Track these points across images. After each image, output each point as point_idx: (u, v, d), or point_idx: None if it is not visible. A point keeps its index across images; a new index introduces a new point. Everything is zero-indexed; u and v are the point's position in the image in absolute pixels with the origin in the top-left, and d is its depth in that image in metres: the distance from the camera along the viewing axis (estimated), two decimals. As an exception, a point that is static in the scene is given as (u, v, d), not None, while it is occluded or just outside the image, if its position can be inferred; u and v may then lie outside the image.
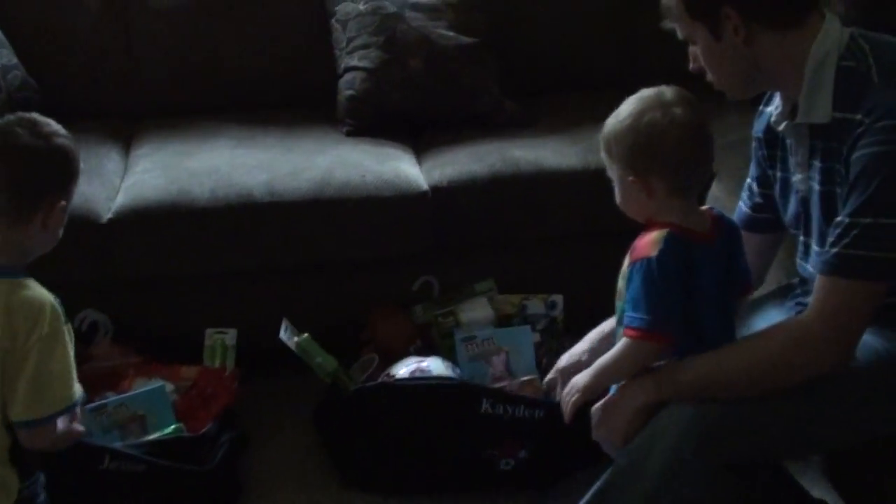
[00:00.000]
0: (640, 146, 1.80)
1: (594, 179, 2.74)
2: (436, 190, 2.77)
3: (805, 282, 2.02)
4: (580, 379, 1.95)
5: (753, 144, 2.06)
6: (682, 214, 1.84)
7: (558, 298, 2.80)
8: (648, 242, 1.82)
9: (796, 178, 1.89)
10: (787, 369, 1.77)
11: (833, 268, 1.72)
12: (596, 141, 2.86)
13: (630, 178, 1.84)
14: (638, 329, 1.81)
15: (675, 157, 1.80)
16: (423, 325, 2.78)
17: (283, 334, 2.55)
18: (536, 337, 2.70)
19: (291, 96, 3.19)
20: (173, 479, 2.31)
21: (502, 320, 2.78)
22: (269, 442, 2.60)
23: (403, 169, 2.80)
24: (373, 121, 3.02)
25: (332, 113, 3.07)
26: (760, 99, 2.03)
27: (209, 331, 2.65)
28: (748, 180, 2.12)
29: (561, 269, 2.91)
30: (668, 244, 1.79)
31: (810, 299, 1.78)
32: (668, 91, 1.84)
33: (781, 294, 2.13)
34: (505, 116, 3.09)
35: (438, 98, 3.04)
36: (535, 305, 2.80)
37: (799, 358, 1.76)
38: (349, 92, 3.01)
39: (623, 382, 1.90)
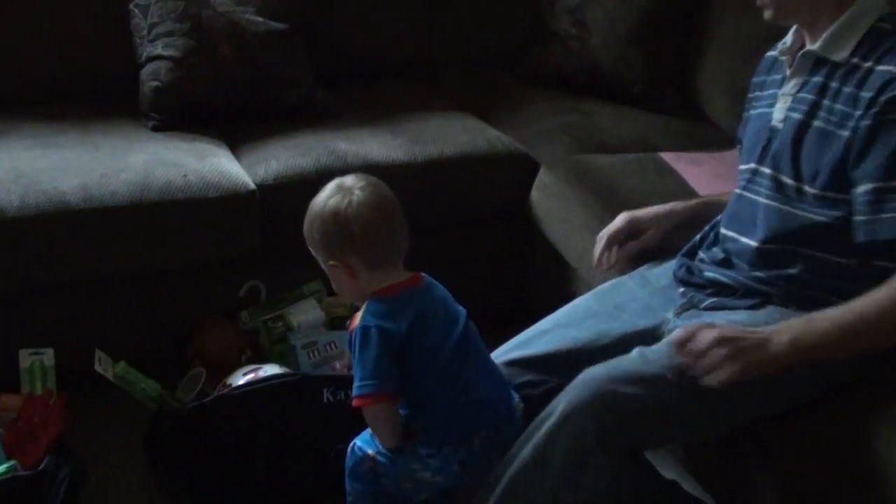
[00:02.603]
0: (329, 233, 1.98)
1: (422, 173, 2.85)
2: (263, 188, 2.71)
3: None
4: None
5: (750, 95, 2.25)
6: (386, 283, 2.00)
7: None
8: (357, 316, 1.99)
9: (777, 107, 2.07)
10: None
11: None
12: (415, 131, 2.97)
13: (331, 263, 2.00)
14: (361, 397, 1.97)
15: (362, 236, 1.96)
16: (250, 332, 2.74)
17: (98, 366, 2.44)
18: (374, 338, 2.69)
19: (84, 89, 3.06)
20: (14, 524, 2.16)
21: (334, 322, 2.78)
22: (100, 470, 2.47)
23: (225, 166, 2.72)
24: (180, 114, 2.92)
25: (133, 106, 2.95)
26: None
27: (23, 352, 2.48)
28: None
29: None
30: (369, 310, 1.97)
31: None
32: (347, 178, 2.02)
33: None
34: (318, 107, 3.06)
35: (249, 88, 2.97)
36: (368, 305, 2.80)
37: None
38: (154, 83, 2.89)
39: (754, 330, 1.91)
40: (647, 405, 1.87)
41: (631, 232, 2.39)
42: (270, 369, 2.49)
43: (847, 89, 1.93)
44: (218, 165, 2.71)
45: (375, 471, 2.09)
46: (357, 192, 1.96)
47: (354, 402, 1.98)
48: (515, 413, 2.08)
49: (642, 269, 2.32)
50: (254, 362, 2.58)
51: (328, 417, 2.40)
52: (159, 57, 2.90)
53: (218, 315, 2.75)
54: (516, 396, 2.11)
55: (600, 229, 2.57)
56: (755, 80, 2.24)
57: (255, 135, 2.94)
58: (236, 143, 2.92)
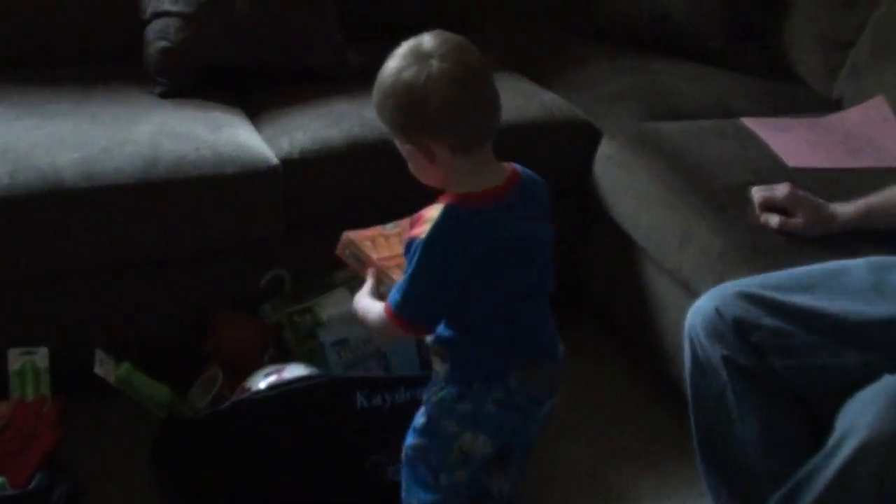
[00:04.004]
0: (403, 110, 1.85)
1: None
2: (287, 163, 2.67)
3: None
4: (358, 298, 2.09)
5: None
6: (473, 174, 1.90)
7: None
8: (426, 218, 1.89)
9: None
10: None
11: None
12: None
13: (406, 146, 1.90)
14: (388, 310, 1.94)
15: (443, 116, 1.83)
16: (273, 328, 2.70)
17: (98, 368, 2.40)
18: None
19: (80, 50, 3.03)
20: (2, 552, 2.11)
21: (369, 315, 2.71)
22: (101, 488, 2.44)
23: (244, 138, 2.69)
24: (192, 78, 2.90)
25: (137, 70, 2.93)
26: None
27: (13, 351, 2.43)
28: None
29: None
30: (444, 219, 1.86)
31: None
32: (427, 39, 1.87)
33: None
34: (349, 69, 3.04)
35: (271, 48, 2.95)
36: (407, 294, 2.75)
37: None
38: (161, 43, 2.86)
39: None
40: None
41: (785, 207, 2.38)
42: (295, 370, 2.47)
43: None
44: (235, 137, 2.67)
45: (427, 460, 2.05)
46: (436, 61, 1.82)
47: (385, 308, 1.95)
48: (559, 351, 2.05)
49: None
50: (277, 362, 2.55)
51: (362, 425, 2.38)
52: (167, 13, 2.87)
53: (236, 309, 2.71)
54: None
55: (674, 202, 2.63)
56: None
57: (277, 102, 2.91)
58: (256, 112, 2.89)
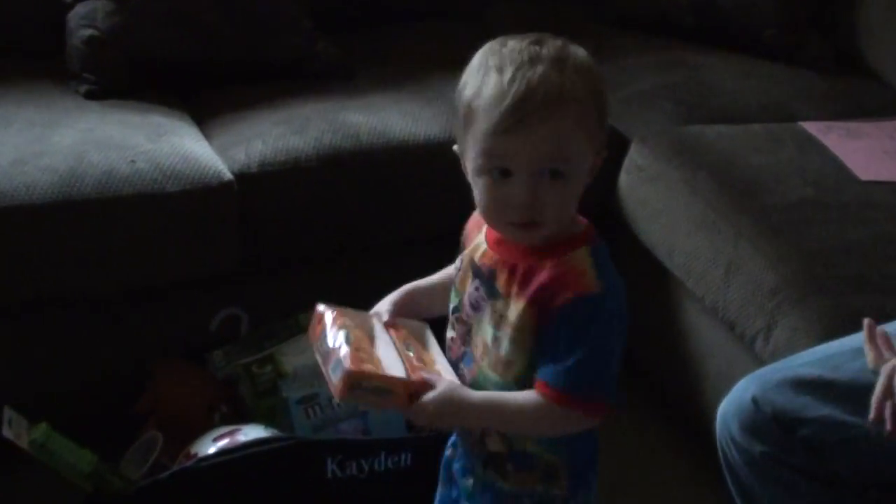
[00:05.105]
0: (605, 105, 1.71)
1: (463, 155, 2.77)
2: (243, 179, 2.68)
3: None
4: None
5: None
6: None
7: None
8: (577, 271, 1.71)
9: None
10: None
11: None
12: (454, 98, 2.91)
13: (598, 159, 1.73)
14: (560, 394, 1.69)
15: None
16: (226, 380, 2.70)
17: (7, 430, 2.36)
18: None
19: None
20: None
21: (342, 366, 2.70)
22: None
23: (189, 148, 2.71)
24: (125, 75, 2.92)
25: (57, 64, 2.95)
26: None
27: None
28: None
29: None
30: (611, 274, 1.73)
31: None
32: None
33: None
34: (320, 64, 3.05)
35: (222, 39, 2.98)
36: (390, 341, 2.75)
37: None
38: (87, 31, 2.90)
39: None
40: None
41: None
42: (252, 432, 2.48)
43: None
44: (179, 147, 2.68)
45: None
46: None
47: (562, 399, 1.68)
48: None
49: None
50: (230, 423, 2.56)
51: (334, 498, 2.40)
52: (94, -6, 2.89)
53: (180, 358, 2.71)
54: None
55: (717, 223, 2.62)
56: None
57: (231, 104, 2.93)
58: (205, 116, 2.92)
